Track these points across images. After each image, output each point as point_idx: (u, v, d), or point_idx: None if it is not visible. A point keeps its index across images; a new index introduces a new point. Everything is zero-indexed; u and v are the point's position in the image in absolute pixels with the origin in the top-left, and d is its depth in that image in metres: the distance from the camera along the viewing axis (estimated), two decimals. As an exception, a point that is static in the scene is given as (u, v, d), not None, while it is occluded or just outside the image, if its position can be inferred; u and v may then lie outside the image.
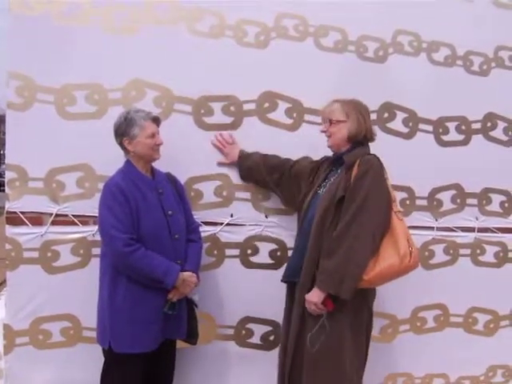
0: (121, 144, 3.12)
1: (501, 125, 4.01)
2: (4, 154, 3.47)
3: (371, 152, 3.07)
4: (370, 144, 3.14)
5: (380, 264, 2.84)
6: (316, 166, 3.34)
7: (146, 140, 3.09)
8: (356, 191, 2.86)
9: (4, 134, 3.57)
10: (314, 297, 2.87)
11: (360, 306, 2.98)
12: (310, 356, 2.94)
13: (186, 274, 3.10)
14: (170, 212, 3.14)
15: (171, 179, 3.33)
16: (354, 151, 3.03)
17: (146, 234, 3.02)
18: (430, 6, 3.80)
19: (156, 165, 3.25)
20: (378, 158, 3.00)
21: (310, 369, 2.97)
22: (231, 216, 3.61)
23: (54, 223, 3.42)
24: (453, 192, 3.93)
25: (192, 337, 3.26)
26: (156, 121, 3.17)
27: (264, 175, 3.50)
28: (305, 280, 3.00)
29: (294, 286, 3.13)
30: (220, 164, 3.58)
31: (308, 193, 3.24)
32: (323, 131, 3.13)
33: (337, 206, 2.92)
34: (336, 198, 2.92)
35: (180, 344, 3.32)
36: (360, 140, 3.06)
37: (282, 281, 3.24)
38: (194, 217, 3.47)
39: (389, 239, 2.90)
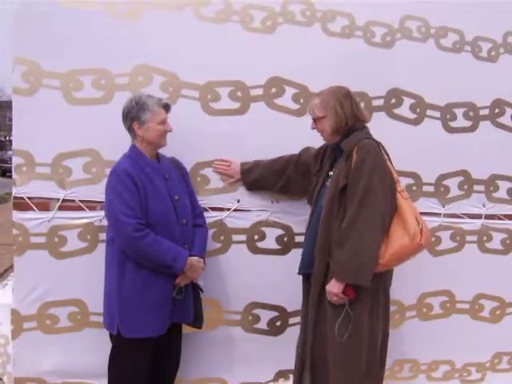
0: (130, 128, 3.11)
1: (509, 111, 3.98)
2: (11, 140, 3.47)
3: (372, 135, 3.07)
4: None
5: (392, 246, 2.85)
6: (320, 154, 3.35)
7: (156, 126, 3.09)
8: (358, 178, 2.86)
9: (10, 120, 3.57)
10: (334, 287, 2.88)
11: (377, 290, 2.98)
12: (332, 345, 2.97)
13: (194, 258, 3.12)
14: (176, 197, 3.15)
15: (176, 164, 3.34)
16: (349, 138, 3.02)
17: (154, 219, 3.02)
18: (437, -10, 3.77)
19: (163, 150, 3.25)
20: (375, 141, 2.99)
21: (332, 357, 2.99)
22: (238, 201, 3.61)
23: (61, 208, 3.42)
24: (460, 178, 3.92)
25: (198, 321, 3.27)
26: (167, 108, 3.17)
27: (272, 183, 3.52)
28: (318, 271, 3.02)
29: (309, 277, 3.14)
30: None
31: (317, 183, 3.26)
32: (313, 128, 3.16)
33: (341, 195, 2.93)
34: (339, 188, 2.94)
35: (186, 329, 3.35)
36: (350, 127, 3.04)
37: (298, 273, 3.24)
38: (201, 202, 3.48)
39: (397, 220, 2.90)
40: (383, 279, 3.00)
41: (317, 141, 3.34)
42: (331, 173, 3.15)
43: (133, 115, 3.07)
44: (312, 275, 3.07)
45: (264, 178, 3.51)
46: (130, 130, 3.12)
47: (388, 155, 3.04)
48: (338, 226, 2.92)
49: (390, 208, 2.90)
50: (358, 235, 2.81)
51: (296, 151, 3.51)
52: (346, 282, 2.85)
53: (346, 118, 3.02)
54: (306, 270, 3.18)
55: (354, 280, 2.83)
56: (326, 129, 3.08)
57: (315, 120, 3.12)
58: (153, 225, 3.01)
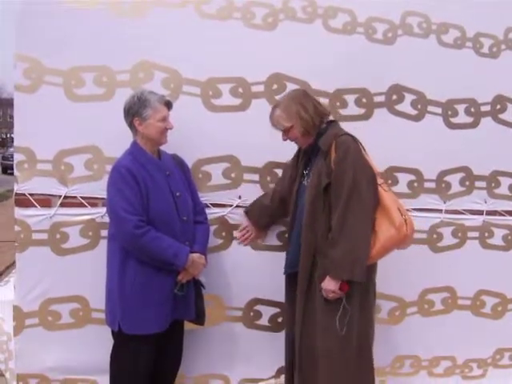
0: (131, 124, 3.12)
1: (510, 107, 3.97)
2: (12, 138, 3.48)
3: (343, 129, 3.10)
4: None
5: (379, 239, 2.90)
6: (295, 160, 3.38)
7: (157, 123, 3.09)
8: (341, 176, 2.90)
9: (11, 117, 3.58)
10: (331, 285, 2.91)
11: (367, 282, 3.03)
12: (322, 338, 3.01)
13: (195, 255, 3.12)
14: (177, 194, 3.15)
15: (177, 160, 3.34)
16: (324, 136, 3.05)
17: (155, 216, 3.03)
18: (439, -13, 3.76)
19: (165, 147, 3.26)
20: (352, 136, 3.02)
21: (323, 352, 3.03)
22: (239, 198, 3.61)
23: (62, 205, 3.43)
24: (461, 175, 3.91)
25: (200, 317, 3.27)
26: (168, 105, 3.17)
27: (273, 210, 3.49)
28: (304, 269, 3.06)
29: (293, 277, 3.19)
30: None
31: (294, 184, 3.30)
32: (284, 140, 3.17)
33: (324, 194, 2.97)
34: (322, 186, 2.97)
35: (188, 325, 3.35)
36: (319, 126, 3.08)
37: (284, 273, 3.29)
38: (203, 199, 3.48)
39: (381, 213, 2.94)
40: (370, 272, 3.04)
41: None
42: (305, 172, 3.19)
43: (134, 111, 3.07)
44: (298, 274, 3.09)
45: (266, 211, 3.50)
46: (131, 126, 3.12)
47: (364, 149, 3.05)
48: (323, 225, 2.97)
49: (374, 203, 2.94)
50: (349, 233, 2.86)
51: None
52: (342, 279, 2.89)
53: (312, 120, 3.06)
54: (292, 269, 3.20)
55: (349, 276, 2.87)
56: (296, 136, 3.11)
57: (284, 131, 3.13)
58: (154, 221, 3.01)
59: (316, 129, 3.08)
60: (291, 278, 3.24)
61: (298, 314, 3.11)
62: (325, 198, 2.97)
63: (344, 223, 2.86)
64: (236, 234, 3.60)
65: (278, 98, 3.55)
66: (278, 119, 3.11)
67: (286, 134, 3.13)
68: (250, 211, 3.55)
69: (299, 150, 3.34)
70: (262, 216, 3.52)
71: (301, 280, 3.08)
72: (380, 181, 3.01)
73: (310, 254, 3.03)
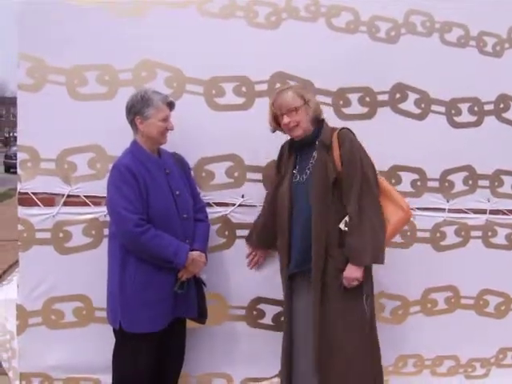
0: (132, 122, 3.12)
1: (514, 106, 3.97)
2: (15, 136, 3.48)
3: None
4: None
5: (390, 222, 3.06)
6: (277, 164, 3.40)
7: (158, 122, 3.09)
8: (352, 166, 2.99)
9: (14, 116, 3.58)
10: (356, 272, 2.98)
11: (370, 274, 3.15)
12: (341, 333, 3.07)
13: (195, 253, 3.12)
14: (177, 192, 3.15)
15: (177, 159, 3.34)
16: (323, 130, 3.11)
17: (155, 214, 3.03)
18: (442, -15, 3.76)
19: (168, 145, 3.26)
20: (350, 130, 3.11)
21: (340, 346, 3.08)
22: (242, 197, 3.61)
23: (65, 204, 3.43)
24: (465, 174, 3.91)
25: (202, 316, 3.27)
26: (171, 105, 3.17)
27: (269, 227, 3.42)
28: (317, 265, 3.04)
29: (294, 276, 3.22)
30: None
31: (279, 184, 3.28)
32: (287, 123, 3.10)
33: (334, 187, 3.02)
34: (330, 180, 3.00)
35: (190, 324, 3.35)
36: (318, 118, 3.14)
37: (290, 273, 3.24)
38: (206, 198, 3.49)
39: (385, 198, 3.10)
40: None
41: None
42: (295, 169, 3.20)
43: (136, 110, 3.08)
44: (312, 271, 3.07)
45: (271, 232, 3.42)
46: (132, 124, 3.12)
47: None
48: (334, 218, 3.01)
49: (378, 189, 3.07)
50: (367, 220, 2.96)
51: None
52: (366, 265, 2.99)
53: (316, 110, 3.13)
54: (299, 269, 3.18)
55: (374, 261, 3.01)
56: (303, 119, 3.08)
57: (288, 113, 3.08)
58: (154, 220, 3.01)
59: (315, 121, 3.12)
60: (292, 277, 3.24)
61: (315, 313, 3.08)
62: (333, 191, 3.02)
63: (361, 211, 2.95)
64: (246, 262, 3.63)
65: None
66: (288, 99, 3.08)
67: (292, 115, 3.07)
68: (249, 239, 3.58)
69: (281, 153, 3.37)
70: (262, 238, 3.51)
71: (315, 276, 3.06)
72: None
73: (323, 249, 3.04)
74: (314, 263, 3.06)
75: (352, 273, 2.98)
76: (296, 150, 3.24)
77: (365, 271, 3.01)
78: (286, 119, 3.10)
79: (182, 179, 3.27)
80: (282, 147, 3.37)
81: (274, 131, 3.24)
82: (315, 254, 3.05)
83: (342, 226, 3.00)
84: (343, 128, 3.09)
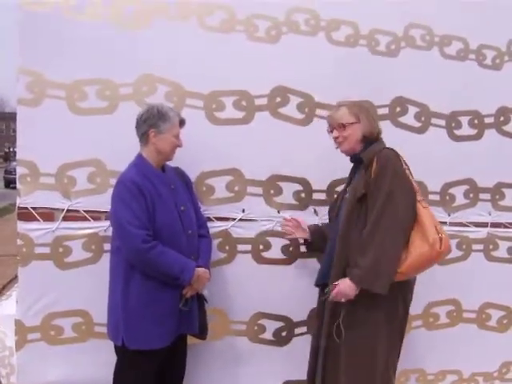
0: (144, 134, 3.09)
1: (514, 119, 3.97)
2: (15, 152, 3.48)
3: (386, 146, 3.07)
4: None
5: (411, 254, 2.85)
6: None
7: (171, 138, 3.10)
8: (378, 186, 2.88)
9: (14, 131, 3.58)
10: (347, 289, 2.86)
11: (395, 299, 2.98)
12: (347, 351, 2.97)
13: (200, 269, 3.10)
14: (182, 208, 3.14)
15: (180, 173, 3.33)
16: (369, 148, 3.04)
17: (161, 230, 3.01)
18: (442, -1, 3.77)
19: (168, 159, 3.25)
20: (394, 150, 3.00)
21: (346, 365, 2.99)
22: (243, 211, 3.59)
23: (65, 219, 3.41)
24: (465, 187, 3.91)
25: (202, 331, 3.25)
26: (182, 123, 3.18)
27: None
28: (334, 280, 2.97)
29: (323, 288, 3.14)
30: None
31: (337, 199, 3.29)
32: (336, 137, 3.11)
33: (359, 205, 2.95)
34: (356, 197, 2.94)
35: (191, 340, 3.32)
36: (371, 138, 3.07)
37: (315, 284, 3.24)
38: (206, 212, 3.48)
39: (416, 229, 2.89)
40: (402, 289, 2.99)
41: (321, 150, 3.34)
42: (348, 187, 3.17)
43: (152, 122, 3.06)
44: (328, 286, 3.02)
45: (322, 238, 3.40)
46: (144, 136, 3.10)
47: (407, 166, 3.03)
48: (356, 237, 2.92)
49: (411, 216, 2.90)
50: (379, 242, 2.82)
51: (301, 160, 3.52)
52: (361, 287, 2.86)
53: (371, 129, 3.06)
54: (323, 281, 3.14)
55: (369, 286, 2.83)
56: (356, 134, 3.05)
57: (337, 128, 3.08)
58: (159, 235, 2.99)
59: (370, 139, 3.08)
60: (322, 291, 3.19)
61: (325, 328, 3.05)
62: (360, 210, 2.95)
63: (375, 232, 2.83)
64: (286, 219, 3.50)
65: (281, 110, 3.56)
66: (343, 114, 3.07)
67: (344, 130, 3.06)
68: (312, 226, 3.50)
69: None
70: (312, 233, 3.45)
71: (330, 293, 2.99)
72: (419, 197, 2.98)
73: (342, 266, 2.97)
74: (332, 280, 2.99)
75: (345, 288, 2.87)
76: (353, 167, 3.21)
77: (369, 298, 2.87)
78: (335, 133, 3.11)
79: (186, 194, 3.26)
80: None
81: (337, 147, 3.17)
82: (334, 271, 3.00)
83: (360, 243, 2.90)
84: (385, 148, 3.02)
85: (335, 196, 3.43)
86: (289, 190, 3.63)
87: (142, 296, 2.99)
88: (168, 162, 3.26)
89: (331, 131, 3.15)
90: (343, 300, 2.90)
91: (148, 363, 3.05)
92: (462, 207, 3.92)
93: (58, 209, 3.41)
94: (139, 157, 3.13)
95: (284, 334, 3.69)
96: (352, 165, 3.23)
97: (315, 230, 3.46)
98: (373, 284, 2.82)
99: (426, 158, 3.76)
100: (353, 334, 2.94)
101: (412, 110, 3.79)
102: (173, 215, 3.08)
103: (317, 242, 3.43)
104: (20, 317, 3.43)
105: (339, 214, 3.15)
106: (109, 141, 3.37)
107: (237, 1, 3.54)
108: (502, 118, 3.95)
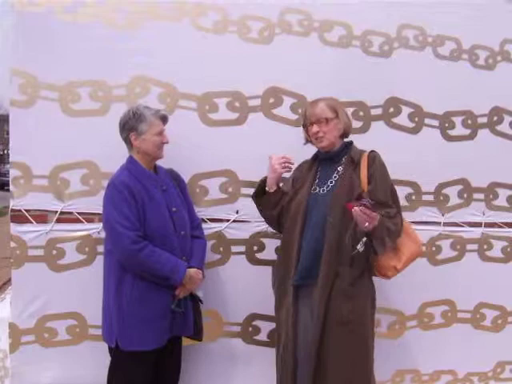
0: (126, 139, 3.11)
1: (507, 119, 3.98)
2: (8, 154, 3.46)
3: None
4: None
5: (404, 254, 3.07)
6: (293, 178, 3.25)
7: (153, 137, 3.08)
8: (383, 181, 2.98)
9: (8, 133, 3.57)
10: (374, 218, 2.77)
11: (373, 296, 3.11)
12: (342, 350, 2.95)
13: (193, 270, 3.10)
14: (174, 209, 3.13)
15: (173, 175, 3.33)
16: (353, 148, 3.09)
17: (152, 231, 3.01)
18: (434, -1, 3.78)
19: (161, 161, 3.24)
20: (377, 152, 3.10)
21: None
22: (237, 212, 3.59)
23: (58, 221, 3.41)
24: (459, 187, 3.91)
25: (197, 333, 3.24)
26: (164, 119, 3.16)
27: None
28: (325, 279, 2.92)
29: (300, 288, 3.05)
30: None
31: (295, 195, 3.13)
32: (315, 132, 3.03)
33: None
34: (354, 195, 2.91)
35: (186, 341, 3.32)
36: (348, 134, 3.12)
37: (294, 284, 3.05)
38: (200, 213, 3.47)
39: (404, 235, 3.09)
40: (373, 288, 3.14)
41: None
42: (316, 181, 3.10)
43: (130, 126, 3.06)
44: (312, 285, 2.96)
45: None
46: (127, 140, 3.11)
47: None
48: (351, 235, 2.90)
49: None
50: (399, 220, 2.99)
51: (294, 161, 3.51)
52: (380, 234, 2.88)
53: (349, 123, 3.11)
54: (304, 281, 3.01)
55: (381, 235, 2.88)
56: (337, 129, 3.04)
57: (317, 123, 3.01)
58: (151, 237, 2.99)
59: (343, 137, 3.11)
60: (296, 290, 3.06)
61: (316, 329, 2.93)
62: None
63: (399, 211, 3.01)
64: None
65: (274, 111, 3.57)
66: (324, 109, 3.03)
67: (321, 125, 3.02)
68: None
69: (299, 169, 3.24)
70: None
71: (322, 290, 2.91)
72: None
73: (336, 263, 2.92)
74: (323, 278, 2.92)
75: (374, 217, 2.77)
76: (320, 162, 3.16)
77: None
78: (314, 128, 3.05)
79: (179, 196, 3.25)
80: (300, 165, 3.26)
81: (305, 143, 3.17)
82: (326, 268, 2.92)
83: (359, 246, 2.85)
84: (373, 151, 3.05)
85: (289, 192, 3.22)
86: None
87: (134, 297, 2.98)
88: (162, 163, 3.25)
89: (310, 126, 3.06)
90: (365, 222, 2.77)
91: (142, 364, 3.04)
92: (456, 207, 3.92)
93: (51, 211, 3.41)
94: (130, 159, 3.14)
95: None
96: (311, 161, 3.19)
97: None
98: (383, 239, 2.89)
99: (420, 158, 3.78)
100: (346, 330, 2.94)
101: (406, 110, 3.79)
102: (164, 216, 3.07)
103: (272, 198, 3.22)
104: (14, 319, 3.42)
105: (312, 211, 3.02)
106: (102, 142, 3.37)
107: (230, 2, 3.54)
108: (495, 118, 3.95)
